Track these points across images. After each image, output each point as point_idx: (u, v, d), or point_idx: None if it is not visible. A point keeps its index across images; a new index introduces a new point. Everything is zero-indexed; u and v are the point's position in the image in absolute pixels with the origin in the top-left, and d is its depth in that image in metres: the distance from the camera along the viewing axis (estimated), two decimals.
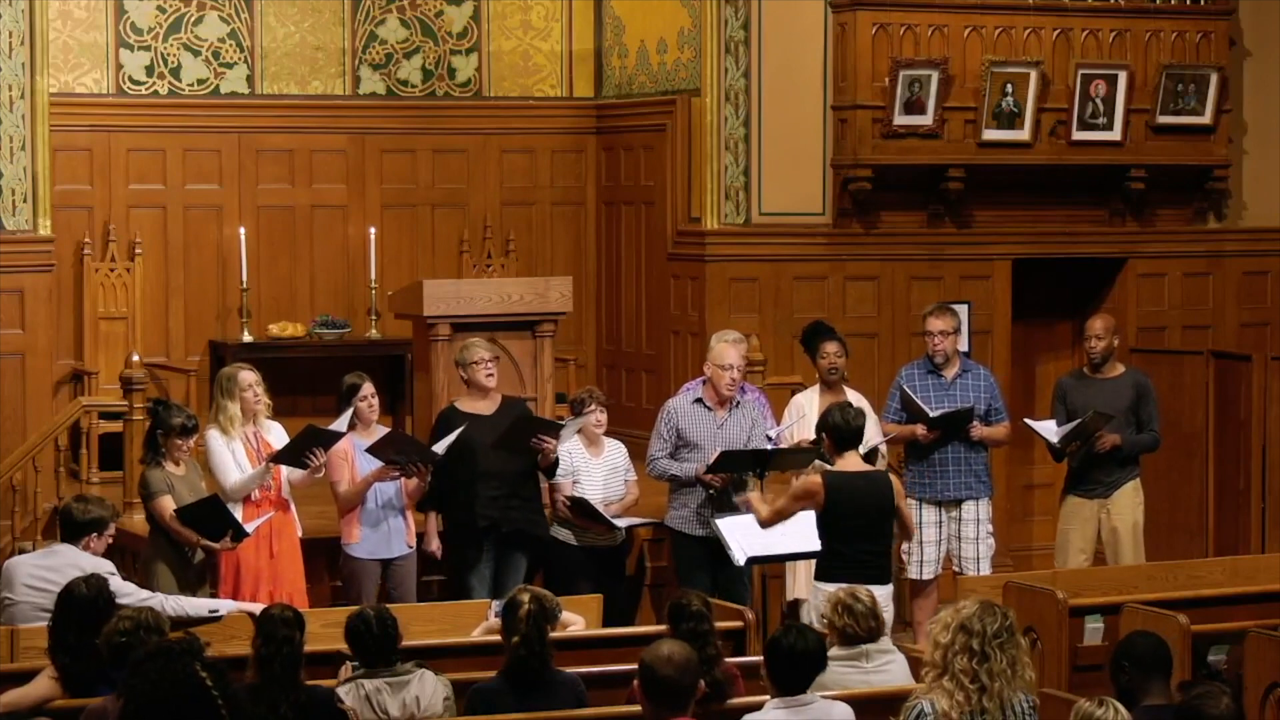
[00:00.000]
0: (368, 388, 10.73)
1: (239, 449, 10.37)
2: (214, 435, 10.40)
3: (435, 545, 10.92)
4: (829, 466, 10.49)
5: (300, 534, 10.61)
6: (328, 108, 14.89)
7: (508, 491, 10.86)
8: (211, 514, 10.02)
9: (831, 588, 9.43)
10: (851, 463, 9.93)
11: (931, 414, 11.58)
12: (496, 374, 10.96)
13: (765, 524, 10.18)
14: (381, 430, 10.89)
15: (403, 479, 10.67)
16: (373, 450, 10.51)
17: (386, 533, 10.71)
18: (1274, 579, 10.65)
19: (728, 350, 11.08)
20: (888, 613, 9.93)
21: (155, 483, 10.09)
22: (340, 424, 10.47)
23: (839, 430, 9.93)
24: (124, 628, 7.53)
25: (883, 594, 9.84)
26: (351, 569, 10.72)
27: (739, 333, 11.93)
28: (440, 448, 10.58)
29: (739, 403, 11.17)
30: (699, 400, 11.16)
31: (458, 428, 10.72)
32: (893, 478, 10.29)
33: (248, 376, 10.44)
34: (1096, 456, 11.93)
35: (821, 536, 9.92)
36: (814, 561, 11.07)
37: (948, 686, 6.54)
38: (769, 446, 11.15)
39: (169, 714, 4.02)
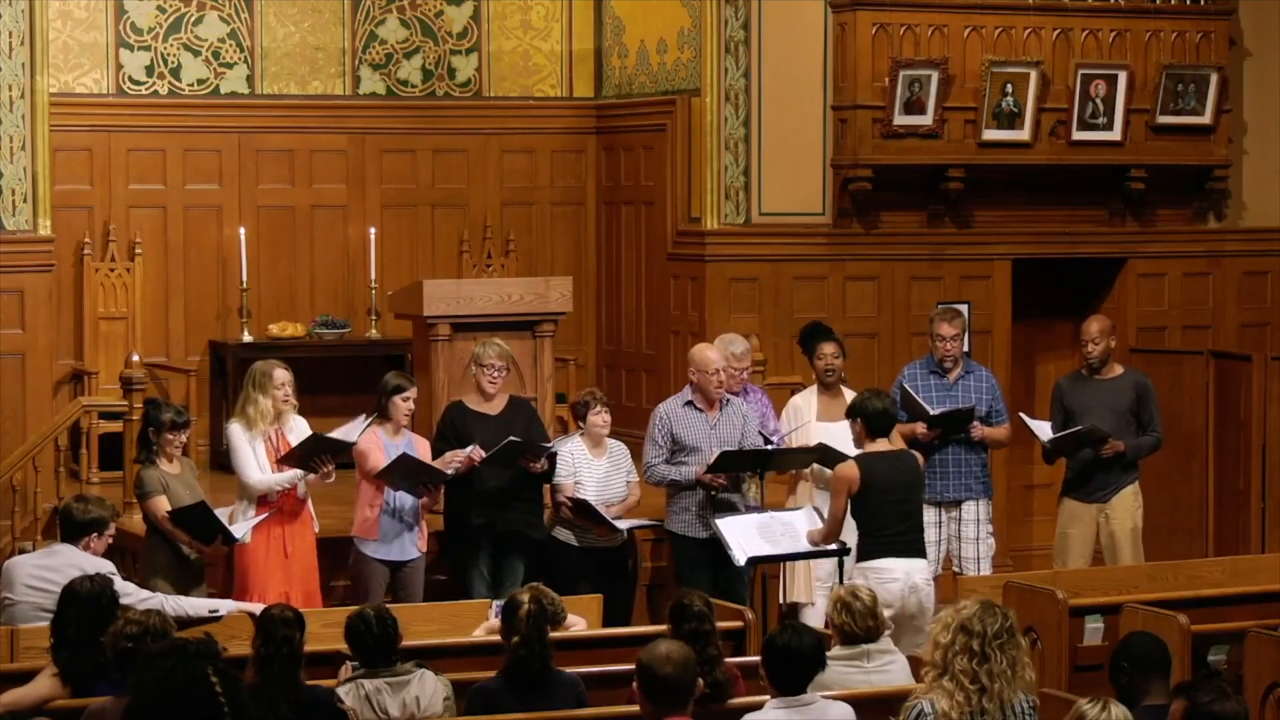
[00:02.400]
0: (413, 391, 10.80)
1: (260, 447, 10.40)
2: (236, 430, 10.43)
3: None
4: (828, 471, 10.59)
5: (317, 530, 10.63)
6: (328, 108, 14.89)
7: (505, 492, 10.91)
8: (201, 519, 10.05)
9: (874, 564, 9.67)
10: (881, 446, 10.15)
11: (932, 413, 11.59)
12: (500, 384, 11.06)
13: (829, 538, 10.35)
14: (409, 435, 10.90)
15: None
16: (382, 476, 10.55)
17: (400, 536, 10.73)
18: (1274, 579, 10.64)
19: (709, 354, 11.16)
20: (929, 589, 10.11)
21: (149, 482, 10.12)
22: (350, 432, 10.50)
23: (875, 417, 10.09)
24: (131, 632, 7.52)
25: (921, 567, 10.11)
26: (361, 569, 10.74)
27: (739, 334, 11.96)
28: (450, 469, 10.66)
29: (728, 400, 11.19)
30: (689, 403, 11.17)
31: (463, 425, 10.80)
32: (917, 455, 10.51)
33: (282, 375, 10.50)
34: (1096, 459, 11.91)
35: (859, 519, 10.09)
36: (813, 563, 11.14)
37: (948, 687, 6.54)
38: (770, 446, 11.16)
39: (172, 713, 4.01)
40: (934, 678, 6.59)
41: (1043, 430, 12.04)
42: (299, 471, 10.38)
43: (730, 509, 10.88)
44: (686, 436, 11.06)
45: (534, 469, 10.88)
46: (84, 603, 7.93)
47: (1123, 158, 14.54)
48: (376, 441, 10.66)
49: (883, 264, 14.28)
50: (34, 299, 12.92)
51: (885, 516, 10.02)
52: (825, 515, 10.44)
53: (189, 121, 14.52)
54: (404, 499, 10.72)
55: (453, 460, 10.75)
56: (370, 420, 10.68)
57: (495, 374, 11.01)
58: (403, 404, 10.76)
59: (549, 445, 11.06)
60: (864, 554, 10.14)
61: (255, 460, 10.38)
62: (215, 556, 10.45)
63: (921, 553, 10.24)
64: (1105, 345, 12.09)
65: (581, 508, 10.99)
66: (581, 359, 15.00)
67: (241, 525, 10.24)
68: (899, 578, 10.02)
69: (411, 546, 10.79)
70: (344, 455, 10.53)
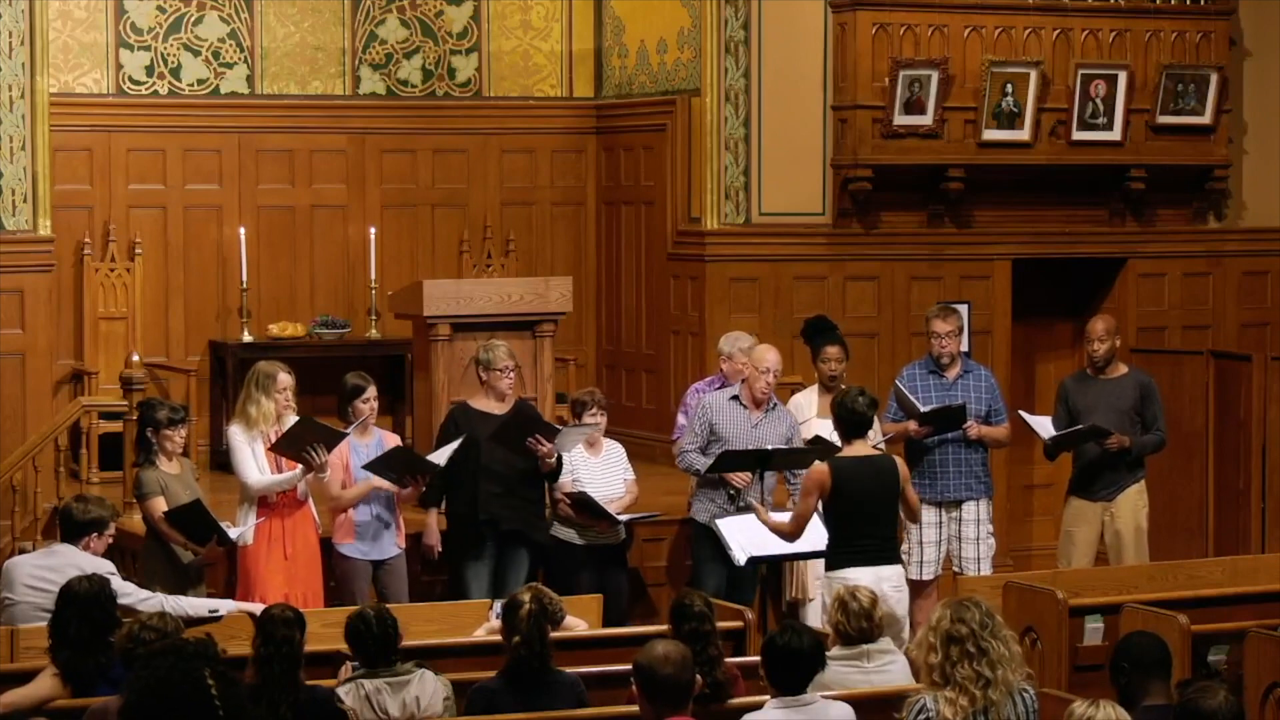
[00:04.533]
0: (372, 390, 10.76)
1: (259, 448, 10.39)
2: (235, 432, 10.44)
3: (434, 540, 10.95)
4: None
5: (320, 532, 10.62)
6: (328, 108, 14.89)
7: (508, 490, 10.89)
8: (197, 518, 10.04)
9: (842, 574, 9.52)
10: (859, 450, 9.94)
11: (922, 409, 11.58)
12: (514, 382, 11.08)
13: (793, 535, 10.16)
14: (379, 433, 10.90)
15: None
16: (370, 468, 10.54)
17: (378, 534, 10.72)
18: (1274, 579, 10.65)
19: (766, 354, 11.26)
20: (901, 593, 10.00)
21: (148, 483, 10.13)
22: (349, 429, 10.51)
23: (846, 417, 9.92)
24: (148, 637, 7.52)
25: (893, 574, 9.92)
26: (344, 569, 10.74)
27: (744, 332, 12.00)
28: (441, 458, 10.60)
29: (774, 404, 11.23)
30: (735, 398, 11.20)
31: (468, 426, 10.79)
32: (898, 460, 10.26)
33: (286, 379, 10.50)
34: (1102, 458, 11.91)
35: (829, 524, 9.92)
36: (812, 561, 11.14)
37: (950, 695, 6.53)
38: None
39: (167, 713, 4.01)
40: (937, 691, 6.59)
41: (1043, 427, 12.04)
42: (297, 472, 10.37)
43: (750, 510, 10.86)
44: (725, 430, 11.10)
45: (541, 453, 10.78)
46: (82, 603, 7.93)
47: (1123, 158, 14.53)
48: (339, 454, 10.59)
49: (883, 264, 14.28)
50: (34, 299, 12.93)
51: (855, 523, 9.77)
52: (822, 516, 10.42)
53: (189, 121, 14.52)
54: (376, 497, 10.69)
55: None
56: (357, 424, 10.67)
57: (511, 375, 11.00)
58: (363, 406, 10.74)
59: (559, 426, 11.01)
60: (832, 562, 9.88)
61: (254, 461, 10.38)
62: (211, 557, 10.45)
63: (893, 559, 9.95)
64: (1110, 344, 12.11)
65: (580, 502, 10.99)
66: (581, 359, 15.00)
67: (239, 527, 10.23)
68: (868, 585, 9.96)
69: (390, 544, 10.77)
70: (336, 444, 10.46)
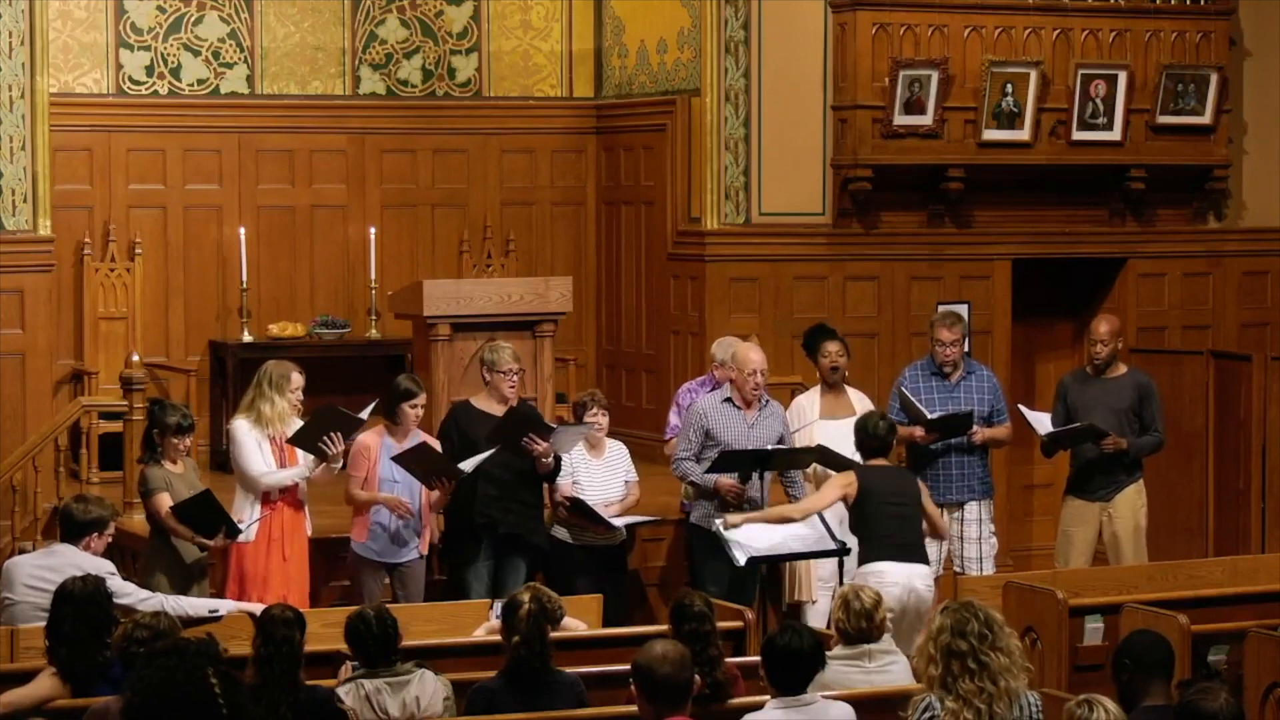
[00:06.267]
0: (422, 397, 10.73)
1: (266, 446, 10.37)
2: (242, 425, 10.39)
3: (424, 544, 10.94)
4: (832, 473, 10.71)
5: (310, 533, 10.61)
6: (328, 108, 14.88)
7: (506, 493, 10.85)
8: (205, 510, 10.03)
9: (875, 567, 9.94)
10: (880, 463, 10.49)
11: (930, 417, 11.58)
12: (518, 386, 11.00)
13: (804, 513, 10.54)
14: (420, 436, 10.83)
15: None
16: (398, 460, 10.51)
17: (398, 537, 10.67)
18: (1274, 579, 10.66)
19: (750, 354, 11.19)
20: (929, 595, 10.36)
21: (153, 479, 10.12)
22: (363, 413, 10.49)
23: (867, 442, 10.43)
24: (141, 636, 7.52)
25: (923, 572, 10.28)
26: (357, 568, 10.72)
27: (737, 337, 11.99)
28: (468, 466, 10.58)
29: (767, 402, 11.22)
30: (728, 400, 11.18)
31: (468, 425, 10.76)
32: (918, 481, 10.66)
33: (299, 379, 10.48)
34: (1100, 458, 11.91)
35: (858, 525, 10.30)
36: (815, 563, 11.17)
37: (953, 707, 6.53)
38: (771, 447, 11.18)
39: (170, 712, 4.02)
40: (943, 695, 6.59)
41: (1041, 422, 12.05)
42: (305, 468, 10.34)
43: (750, 508, 10.87)
44: (721, 433, 11.07)
45: (537, 452, 10.77)
46: (77, 602, 7.92)
47: (1123, 158, 14.54)
48: (366, 446, 10.56)
49: (883, 264, 14.28)
50: (34, 299, 12.93)
51: (883, 521, 10.18)
52: (825, 518, 10.48)
53: (189, 121, 14.51)
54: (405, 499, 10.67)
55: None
56: (376, 403, 10.65)
57: (515, 377, 10.93)
58: (410, 410, 10.72)
59: (554, 425, 10.99)
60: (863, 558, 10.29)
61: (261, 457, 10.36)
62: (216, 555, 10.43)
63: (922, 558, 10.33)
64: (1113, 346, 12.11)
65: (577, 506, 10.98)
66: (581, 359, 15.00)
67: (245, 522, 10.22)
68: (899, 581, 10.06)
69: (409, 548, 10.73)
70: (354, 433, 10.45)
